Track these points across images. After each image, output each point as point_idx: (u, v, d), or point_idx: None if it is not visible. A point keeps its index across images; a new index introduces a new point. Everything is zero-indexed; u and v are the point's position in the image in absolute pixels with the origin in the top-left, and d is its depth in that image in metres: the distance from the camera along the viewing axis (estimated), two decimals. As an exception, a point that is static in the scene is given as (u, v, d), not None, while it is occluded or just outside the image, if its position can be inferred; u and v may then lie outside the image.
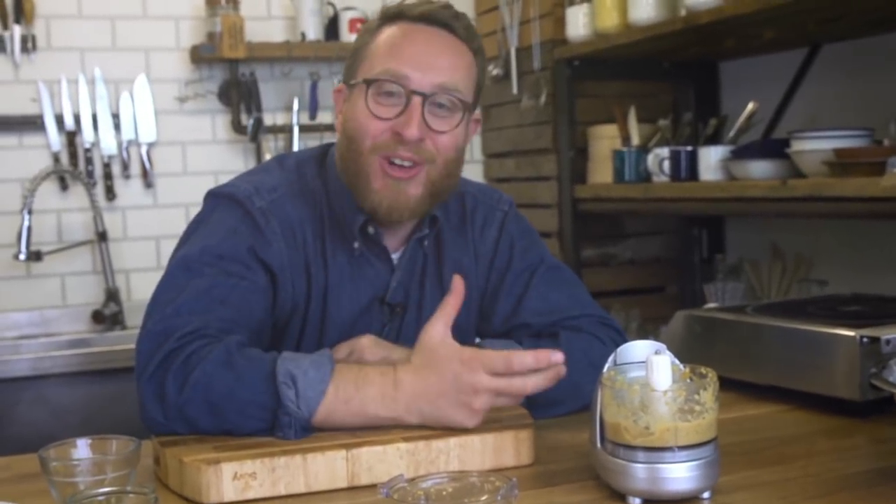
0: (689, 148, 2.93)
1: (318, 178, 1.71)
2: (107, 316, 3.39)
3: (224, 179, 3.64)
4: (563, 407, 1.63)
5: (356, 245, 1.67)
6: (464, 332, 1.72)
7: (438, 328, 1.47)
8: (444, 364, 1.44)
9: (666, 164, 2.97)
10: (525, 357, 1.42)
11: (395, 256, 1.72)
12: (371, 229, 1.66)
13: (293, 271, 1.63)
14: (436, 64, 1.60)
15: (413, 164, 1.59)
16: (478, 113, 1.72)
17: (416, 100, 1.57)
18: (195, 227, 1.66)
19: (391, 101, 1.59)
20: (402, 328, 1.73)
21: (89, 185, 3.40)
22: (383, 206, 1.60)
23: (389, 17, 1.65)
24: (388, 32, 1.63)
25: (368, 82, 1.59)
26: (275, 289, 1.62)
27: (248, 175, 1.74)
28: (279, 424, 1.41)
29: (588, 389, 1.49)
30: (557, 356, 1.42)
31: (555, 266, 1.81)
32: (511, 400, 1.46)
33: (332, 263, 1.66)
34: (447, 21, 1.63)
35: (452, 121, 1.61)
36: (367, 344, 1.57)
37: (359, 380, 1.44)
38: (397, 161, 1.59)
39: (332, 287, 1.66)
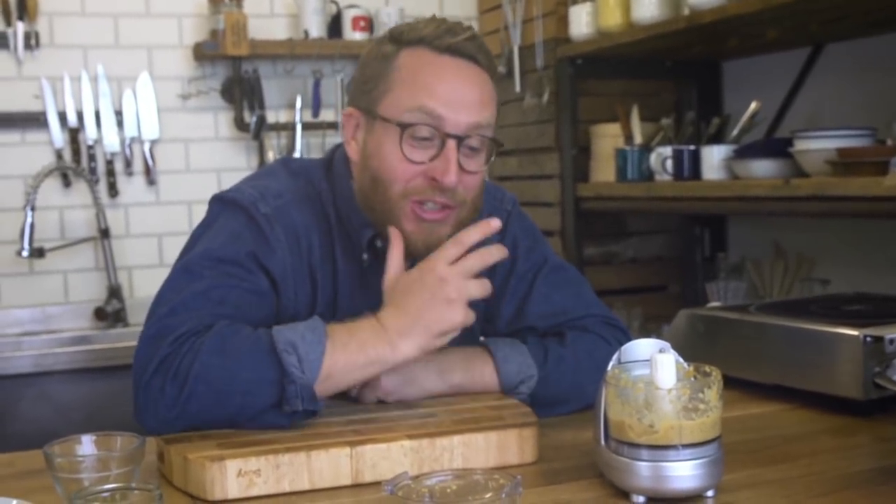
0: (692, 147, 2.93)
1: (325, 183, 1.68)
2: (109, 313, 3.40)
3: (227, 177, 3.67)
4: (567, 406, 1.63)
5: (365, 257, 1.65)
6: (469, 334, 1.72)
7: (391, 272, 1.53)
8: (408, 284, 1.49)
9: (668, 163, 2.97)
10: (470, 231, 1.50)
11: None
12: (379, 243, 1.63)
13: (296, 279, 1.61)
14: (468, 103, 1.54)
15: (444, 207, 1.56)
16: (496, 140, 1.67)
17: (452, 144, 1.53)
18: (200, 231, 1.64)
19: (424, 144, 1.54)
20: None
21: (92, 182, 3.41)
22: (417, 245, 1.57)
23: (408, 42, 1.58)
24: (412, 62, 1.56)
25: (403, 125, 1.53)
26: (276, 296, 1.59)
27: (253, 179, 1.71)
28: (286, 397, 1.41)
29: (592, 389, 1.50)
30: (495, 222, 1.51)
31: (559, 266, 1.80)
32: (479, 282, 1.49)
33: (342, 271, 1.64)
34: (472, 54, 1.57)
35: (481, 160, 1.59)
36: None
37: (350, 329, 1.47)
38: (429, 204, 1.55)
39: (341, 296, 1.65)
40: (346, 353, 1.45)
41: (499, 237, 1.74)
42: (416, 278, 1.48)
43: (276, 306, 1.59)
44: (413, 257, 1.59)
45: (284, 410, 1.42)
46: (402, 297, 1.49)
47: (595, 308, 1.76)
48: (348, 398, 1.57)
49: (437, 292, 1.46)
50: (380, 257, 1.61)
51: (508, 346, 1.64)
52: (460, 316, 1.47)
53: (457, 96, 1.54)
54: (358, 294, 1.65)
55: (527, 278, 1.75)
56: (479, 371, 1.62)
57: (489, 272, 1.74)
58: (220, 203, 1.65)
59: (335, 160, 1.70)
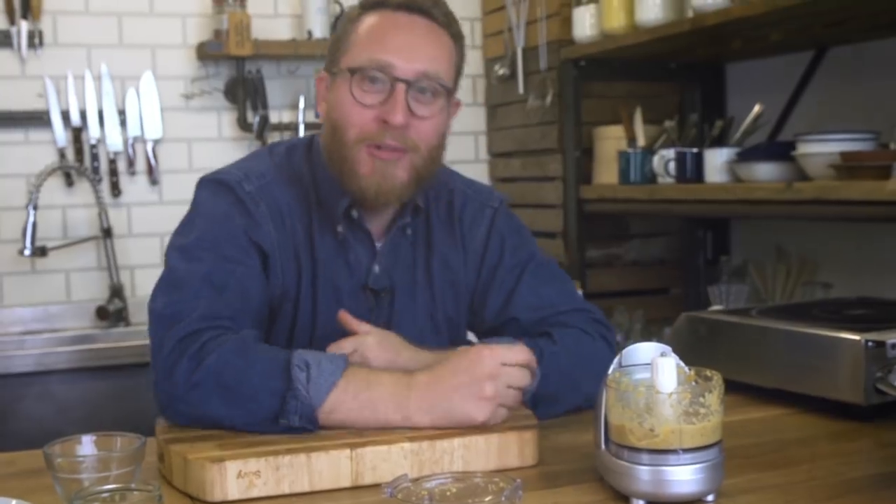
0: (695, 149, 2.93)
1: (305, 163, 1.74)
2: (111, 312, 3.40)
3: (229, 177, 3.63)
4: (562, 404, 1.64)
5: (340, 229, 1.70)
6: (454, 326, 1.77)
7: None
8: (457, 360, 1.47)
9: (671, 166, 2.97)
10: (525, 350, 1.50)
11: (378, 245, 1.75)
12: (355, 213, 1.70)
13: (282, 255, 1.67)
14: (418, 51, 1.63)
15: (396, 150, 1.63)
16: (458, 97, 1.76)
17: (400, 87, 1.60)
18: (190, 215, 1.70)
19: (375, 89, 1.62)
20: (391, 315, 1.75)
21: (95, 182, 3.40)
22: (371, 189, 1.63)
23: (370, 5, 1.68)
24: (370, 21, 1.66)
25: (353, 71, 1.62)
26: (266, 272, 1.65)
27: (238, 162, 1.79)
28: (285, 410, 1.43)
29: (581, 383, 1.58)
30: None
31: (544, 262, 1.84)
32: (516, 394, 1.48)
33: (320, 247, 1.70)
34: (427, 9, 1.66)
35: (435, 107, 1.65)
36: (372, 344, 1.57)
37: (371, 379, 1.47)
38: (383, 147, 1.62)
39: (320, 271, 1.70)
40: (355, 402, 1.45)
41: (485, 233, 1.81)
42: (467, 360, 1.47)
43: (267, 282, 1.65)
44: (371, 206, 1.67)
45: (280, 423, 1.44)
46: (445, 367, 1.48)
47: (580, 303, 1.80)
48: None
49: (477, 383, 1.44)
50: (355, 229, 1.70)
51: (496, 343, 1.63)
52: (482, 416, 1.44)
53: (406, 44, 1.63)
54: (334, 270, 1.71)
55: (514, 272, 1.79)
56: None
57: (476, 267, 1.80)
58: (207, 184, 1.72)
59: (315, 142, 1.77)
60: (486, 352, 1.47)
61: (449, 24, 1.69)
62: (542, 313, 1.75)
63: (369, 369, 1.50)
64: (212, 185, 1.70)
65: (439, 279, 1.78)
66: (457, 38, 1.70)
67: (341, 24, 1.72)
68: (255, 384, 1.44)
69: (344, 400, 1.44)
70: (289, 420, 1.43)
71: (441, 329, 1.78)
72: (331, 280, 1.71)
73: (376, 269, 1.74)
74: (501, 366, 1.45)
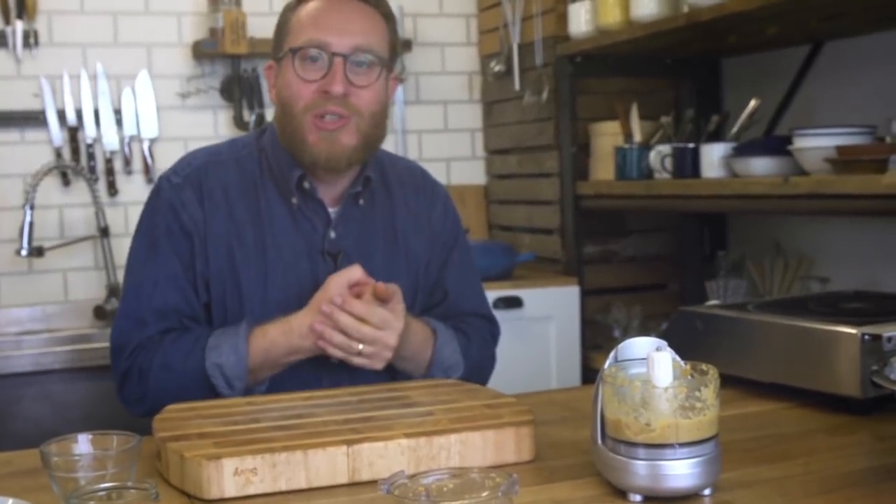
0: (692, 145, 2.93)
1: (254, 146, 1.90)
2: (108, 312, 3.39)
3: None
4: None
5: (294, 200, 1.84)
6: (410, 292, 1.88)
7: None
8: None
9: (668, 161, 2.97)
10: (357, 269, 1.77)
11: (332, 211, 1.87)
12: (307, 184, 1.83)
13: (218, 230, 1.82)
14: (352, 29, 1.78)
15: (341, 116, 1.77)
16: (397, 72, 1.92)
17: (338, 60, 1.76)
18: (137, 223, 1.90)
19: (316, 66, 1.77)
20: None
21: (91, 181, 3.40)
22: (322, 156, 1.78)
23: None
24: (307, 8, 1.81)
25: (294, 51, 1.78)
26: (199, 250, 1.82)
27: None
28: (219, 392, 1.75)
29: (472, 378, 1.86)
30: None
31: (473, 260, 2.08)
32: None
33: (269, 220, 1.84)
34: None
35: (371, 76, 1.79)
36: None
37: (266, 340, 1.75)
38: (328, 116, 1.77)
39: (270, 242, 1.83)
40: (266, 360, 1.76)
41: (442, 213, 2.00)
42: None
43: (205, 258, 1.82)
44: (323, 173, 1.83)
45: (217, 392, 1.76)
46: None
47: (490, 311, 2.09)
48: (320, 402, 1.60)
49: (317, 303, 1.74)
50: (308, 199, 1.85)
51: (444, 329, 1.88)
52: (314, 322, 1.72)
53: (341, 26, 1.78)
54: (289, 239, 1.85)
55: (461, 259, 2.01)
56: (424, 342, 1.84)
57: (431, 243, 1.98)
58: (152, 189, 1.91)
59: (270, 125, 1.92)
60: (331, 278, 1.75)
61: (378, 4, 1.84)
62: (470, 308, 2.01)
63: (262, 332, 1.76)
64: (150, 195, 1.90)
65: (404, 247, 1.92)
66: (388, 17, 1.85)
67: (281, 16, 1.86)
68: (191, 392, 1.73)
69: (259, 366, 1.75)
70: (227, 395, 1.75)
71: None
72: (285, 248, 1.84)
73: (332, 234, 1.86)
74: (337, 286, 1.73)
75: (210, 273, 1.82)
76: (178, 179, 1.85)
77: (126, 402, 1.84)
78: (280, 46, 1.83)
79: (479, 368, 1.95)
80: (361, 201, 1.88)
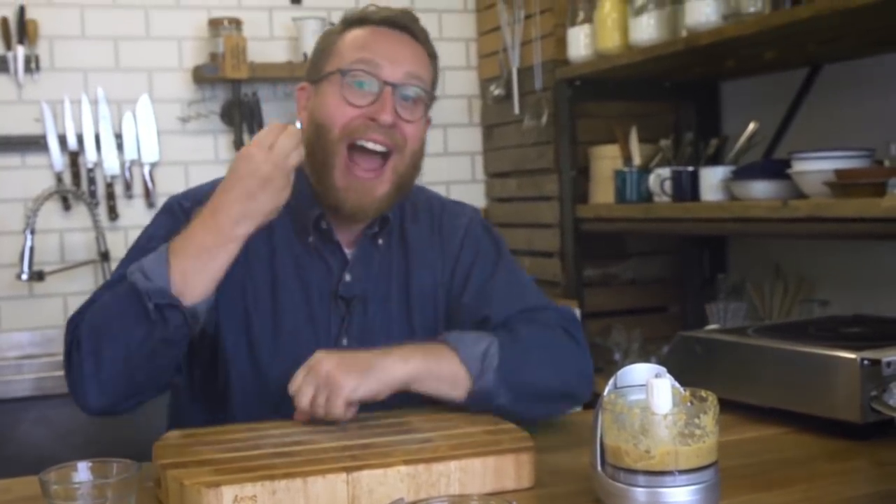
0: (691, 168, 2.93)
1: None
2: (109, 336, 3.39)
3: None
4: (515, 395, 1.64)
5: (310, 239, 1.75)
6: (432, 334, 1.75)
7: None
8: (234, 171, 1.58)
9: (667, 185, 2.97)
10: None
11: (348, 252, 1.78)
12: (324, 224, 1.75)
13: None
14: (403, 58, 1.71)
15: (385, 148, 1.68)
16: (429, 114, 1.81)
17: (388, 89, 1.67)
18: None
19: (363, 91, 1.68)
20: (365, 323, 1.77)
21: (92, 205, 3.41)
22: (348, 205, 1.69)
23: (353, 21, 1.76)
24: (354, 33, 1.74)
25: (343, 72, 1.69)
26: None
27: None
28: (148, 314, 1.53)
29: (537, 375, 1.65)
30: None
31: (515, 266, 1.89)
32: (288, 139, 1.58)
33: (282, 255, 1.74)
34: (408, 24, 1.75)
35: (417, 111, 1.72)
36: (321, 356, 1.58)
37: (185, 235, 1.58)
38: (369, 145, 1.67)
39: (282, 279, 1.74)
40: (187, 256, 1.55)
41: (461, 238, 1.85)
42: (236, 163, 1.58)
43: None
44: (346, 219, 1.73)
45: (151, 318, 1.53)
46: (221, 187, 1.59)
47: (549, 303, 1.84)
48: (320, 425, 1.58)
49: (250, 173, 1.56)
50: (325, 239, 1.75)
51: (456, 332, 1.70)
52: (265, 168, 1.55)
53: (391, 51, 1.71)
54: (301, 279, 1.75)
55: (486, 270, 1.83)
56: (437, 354, 1.64)
57: (451, 267, 1.83)
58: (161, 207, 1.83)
59: None
60: (252, 150, 1.56)
61: (426, 41, 1.78)
62: (511, 310, 1.77)
63: (180, 235, 1.58)
64: (159, 212, 1.81)
65: (417, 288, 1.80)
66: (433, 56, 1.79)
67: (323, 39, 1.78)
68: (115, 312, 1.57)
69: (182, 263, 1.55)
70: (147, 309, 1.53)
71: (418, 337, 1.76)
72: (296, 288, 1.74)
73: (347, 277, 1.76)
74: (265, 146, 1.56)
75: (218, 306, 1.69)
76: (189, 203, 1.75)
77: (72, 391, 1.64)
78: (320, 68, 1.74)
79: (541, 349, 1.70)
80: (380, 241, 1.80)
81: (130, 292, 1.55)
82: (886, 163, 2.40)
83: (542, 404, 1.69)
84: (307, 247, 1.76)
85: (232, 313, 1.72)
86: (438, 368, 1.62)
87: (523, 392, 1.64)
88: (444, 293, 1.83)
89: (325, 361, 1.55)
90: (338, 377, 1.54)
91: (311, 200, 1.74)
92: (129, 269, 1.57)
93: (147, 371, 1.59)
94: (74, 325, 1.62)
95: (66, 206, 3.48)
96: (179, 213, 1.74)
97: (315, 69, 1.76)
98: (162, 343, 1.57)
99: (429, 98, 1.75)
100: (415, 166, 1.75)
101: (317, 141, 1.70)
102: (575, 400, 1.76)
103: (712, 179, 2.82)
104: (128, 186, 3.54)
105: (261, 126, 3.62)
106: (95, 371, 1.57)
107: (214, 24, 3.54)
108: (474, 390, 1.62)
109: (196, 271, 1.55)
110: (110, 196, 3.51)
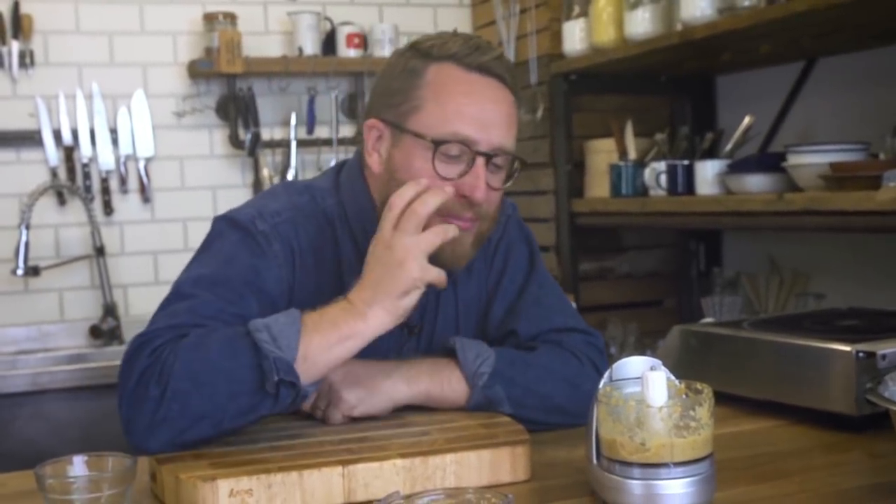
0: (686, 162, 2.94)
1: (331, 198, 1.69)
2: (105, 331, 3.40)
3: (222, 194, 3.68)
4: (532, 416, 1.61)
5: None
6: (476, 336, 1.72)
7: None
8: (367, 260, 1.49)
9: (663, 178, 2.97)
10: (403, 191, 1.48)
11: None
12: None
13: (301, 294, 1.61)
14: (496, 123, 1.58)
15: (473, 223, 1.60)
16: None
17: (481, 161, 1.57)
18: (198, 252, 1.65)
19: (455, 161, 1.57)
20: (418, 347, 1.74)
21: (87, 200, 3.41)
22: (446, 256, 1.55)
23: (437, 57, 1.60)
24: (440, 79, 1.59)
25: (437, 142, 1.56)
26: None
27: (253, 200, 1.74)
28: (265, 373, 1.40)
29: (559, 404, 1.60)
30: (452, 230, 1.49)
31: (549, 277, 1.83)
32: (432, 237, 1.47)
33: (350, 284, 1.56)
34: (500, 73, 1.60)
35: (503, 177, 1.63)
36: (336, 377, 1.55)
37: (321, 312, 1.46)
38: (461, 225, 1.57)
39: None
40: (320, 333, 1.44)
41: (497, 238, 1.79)
42: (370, 252, 1.49)
43: None
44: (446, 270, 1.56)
45: (266, 390, 1.41)
46: (364, 274, 1.49)
47: (579, 324, 1.77)
48: (316, 420, 1.57)
49: (387, 259, 1.46)
50: None
51: (468, 340, 1.65)
52: (415, 271, 1.45)
53: (486, 117, 1.57)
54: None
55: (517, 281, 1.77)
56: (444, 375, 1.61)
57: (486, 272, 1.77)
58: (220, 223, 1.66)
59: (344, 176, 1.72)
60: (377, 234, 1.48)
61: (516, 87, 1.64)
62: (540, 328, 1.73)
63: (317, 311, 1.47)
64: (223, 224, 1.64)
65: (463, 307, 1.76)
66: (519, 100, 1.66)
67: (398, 70, 1.62)
68: (226, 366, 1.42)
69: (310, 340, 1.43)
70: (268, 380, 1.40)
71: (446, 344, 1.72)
72: None
73: None
74: (391, 231, 1.46)
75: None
76: (264, 227, 1.61)
77: (133, 427, 1.45)
78: (400, 111, 1.59)
79: (556, 378, 1.66)
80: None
81: (249, 351, 1.42)
82: (881, 156, 2.40)
83: (528, 420, 1.60)
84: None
85: None
86: (441, 392, 1.61)
87: (531, 406, 1.62)
88: (483, 305, 1.79)
89: (332, 372, 1.53)
90: (340, 391, 1.54)
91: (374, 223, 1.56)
92: (254, 325, 1.43)
93: (224, 433, 1.47)
94: (159, 353, 1.45)
95: (62, 201, 3.47)
96: (259, 238, 1.60)
97: (392, 110, 1.61)
98: (260, 417, 1.47)
99: (516, 160, 1.64)
100: (494, 221, 1.67)
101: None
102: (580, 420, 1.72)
103: (708, 173, 2.82)
104: (123, 181, 3.54)
105: (256, 122, 3.62)
106: (176, 419, 1.42)
107: (209, 18, 3.53)
108: (476, 405, 1.61)
109: (321, 348, 1.45)
110: (105, 191, 3.51)
